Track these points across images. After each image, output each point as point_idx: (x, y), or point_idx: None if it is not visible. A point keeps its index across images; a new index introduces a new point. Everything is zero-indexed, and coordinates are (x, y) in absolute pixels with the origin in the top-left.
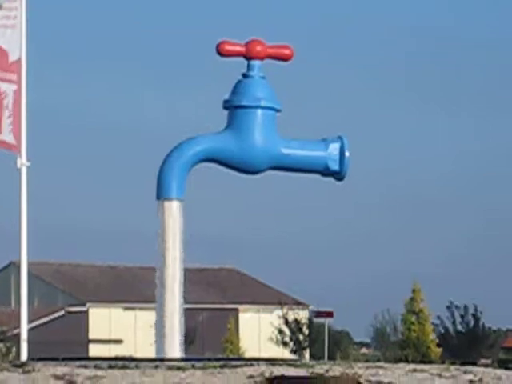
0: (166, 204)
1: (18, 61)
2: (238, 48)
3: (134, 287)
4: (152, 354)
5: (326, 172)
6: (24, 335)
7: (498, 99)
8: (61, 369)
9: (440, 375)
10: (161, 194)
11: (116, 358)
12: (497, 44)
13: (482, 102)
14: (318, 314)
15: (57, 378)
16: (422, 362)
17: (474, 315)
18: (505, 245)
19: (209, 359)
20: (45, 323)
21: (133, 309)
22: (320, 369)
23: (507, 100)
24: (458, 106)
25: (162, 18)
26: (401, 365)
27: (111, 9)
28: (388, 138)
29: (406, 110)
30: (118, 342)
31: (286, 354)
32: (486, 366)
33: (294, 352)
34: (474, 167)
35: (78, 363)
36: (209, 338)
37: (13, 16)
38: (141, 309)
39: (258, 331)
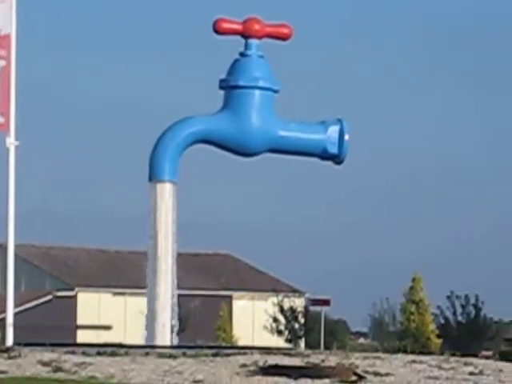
0: (159, 186)
1: (8, 36)
2: (235, 26)
3: (125, 272)
4: (142, 341)
5: (324, 155)
6: (10, 319)
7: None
8: (48, 355)
9: (439, 367)
10: (153, 176)
11: (105, 345)
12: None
13: (487, 78)
14: (315, 302)
15: (44, 364)
16: (422, 353)
17: (475, 306)
18: (508, 234)
19: (201, 347)
20: (32, 308)
21: (123, 294)
22: (316, 359)
23: None
24: (462, 82)
25: None
26: (399, 356)
27: None
28: (389, 119)
29: (408, 90)
30: (107, 328)
31: (280, 342)
32: (487, 358)
33: (289, 341)
34: (476, 154)
35: (65, 349)
36: (201, 325)
37: None
38: (131, 294)
39: (252, 319)
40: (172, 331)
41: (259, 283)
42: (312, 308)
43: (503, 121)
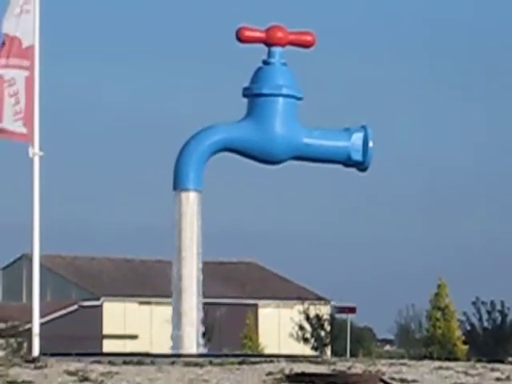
0: (183, 195)
1: (31, 47)
2: (258, 34)
3: (150, 281)
4: (168, 350)
5: (348, 162)
6: (36, 330)
7: None
8: (74, 364)
9: (466, 373)
10: (177, 185)
11: (131, 354)
12: None
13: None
14: (340, 310)
15: (70, 373)
16: (448, 359)
17: (501, 311)
18: None
19: (227, 355)
20: (57, 318)
21: (148, 303)
22: (342, 366)
23: None
24: (482, 96)
25: (179, 3)
26: (425, 362)
27: None
28: (415, 126)
29: (435, 99)
30: (133, 337)
31: (306, 350)
32: None
33: (315, 349)
34: (506, 159)
35: (91, 359)
36: (227, 333)
37: (26, 1)
38: (157, 303)
39: (278, 327)
40: (198, 340)
41: (285, 291)
42: (338, 315)
43: None
